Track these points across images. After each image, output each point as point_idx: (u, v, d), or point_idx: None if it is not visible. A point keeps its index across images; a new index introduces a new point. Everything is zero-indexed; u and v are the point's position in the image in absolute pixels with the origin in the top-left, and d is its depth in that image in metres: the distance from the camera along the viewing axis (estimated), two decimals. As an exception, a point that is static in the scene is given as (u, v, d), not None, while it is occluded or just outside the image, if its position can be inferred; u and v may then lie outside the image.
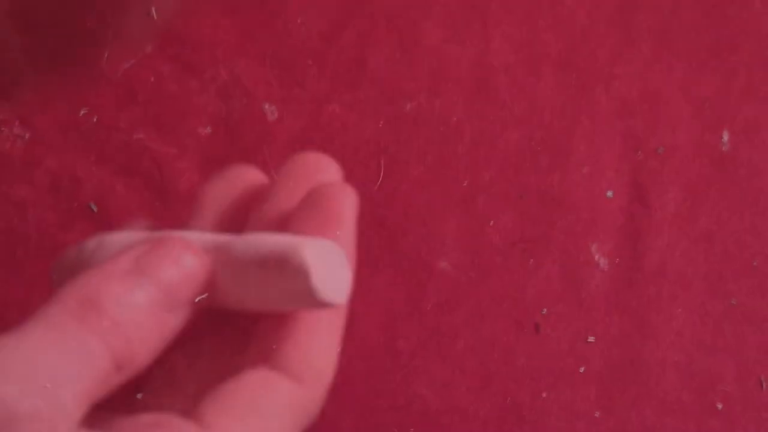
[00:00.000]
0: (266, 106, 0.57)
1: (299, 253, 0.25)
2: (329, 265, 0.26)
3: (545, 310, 0.55)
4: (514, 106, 0.57)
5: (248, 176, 0.33)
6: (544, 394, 0.54)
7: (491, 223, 0.56)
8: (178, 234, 0.27)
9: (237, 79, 0.56)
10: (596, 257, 0.55)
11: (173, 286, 0.25)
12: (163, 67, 0.56)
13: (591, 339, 0.55)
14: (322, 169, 0.30)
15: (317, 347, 0.27)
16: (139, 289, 0.24)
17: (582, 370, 0.55)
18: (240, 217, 0.31)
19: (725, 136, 0.57)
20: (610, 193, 0.56)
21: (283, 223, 0.29)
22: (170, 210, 0.55)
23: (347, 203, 0.29)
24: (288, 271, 0.25)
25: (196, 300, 0.26)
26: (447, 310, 0.55)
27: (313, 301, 0.25)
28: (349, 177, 0.57)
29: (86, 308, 0.23)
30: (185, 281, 0.25)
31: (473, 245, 0.56)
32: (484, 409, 0.54)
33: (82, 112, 0.56)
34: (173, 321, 0.25)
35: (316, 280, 0.25)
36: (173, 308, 0.25)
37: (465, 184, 0.56)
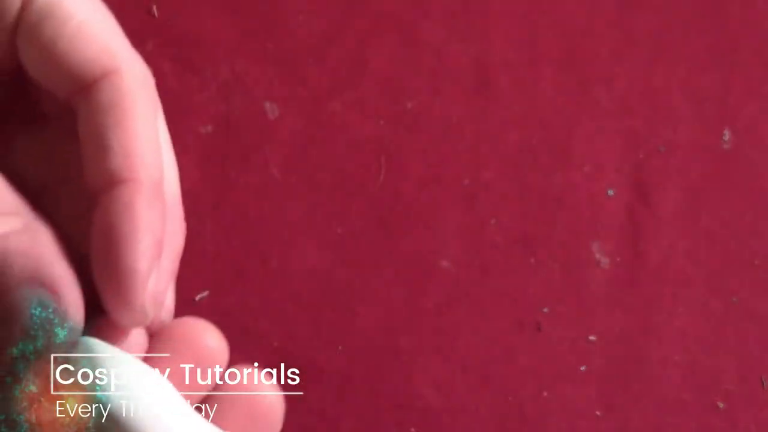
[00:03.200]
0: (267, 105, 0.57)
1: None
2: None
3: (546, 308, 0.55)
4: (514, 105, 0.57)
5: None
6: (545, 393, 0.54)
7: (492, 222, 0.56)
8: None
9: (238, 77, 0.56)
10: (597, 256, 0.55)
11: None
12: (163, 65, 0.56)
13: (592, 338, 0.55)
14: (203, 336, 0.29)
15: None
16: None
17: (583, 368, 0.55)
18: None
19: (726, 135, 0.57)
20: (611, 192, 0.56)
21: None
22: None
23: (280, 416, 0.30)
24: None
25: None
26: (448, 309, 0.55)
27: None
28: (350, 176, 0.57)
29: None
30: None
31: (474, 244, 0.55)
32: (485, 408, 0.54)
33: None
34: None
35: None
36: None
37: (466, 183, 0.56)
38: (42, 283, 0.24)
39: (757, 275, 0.56)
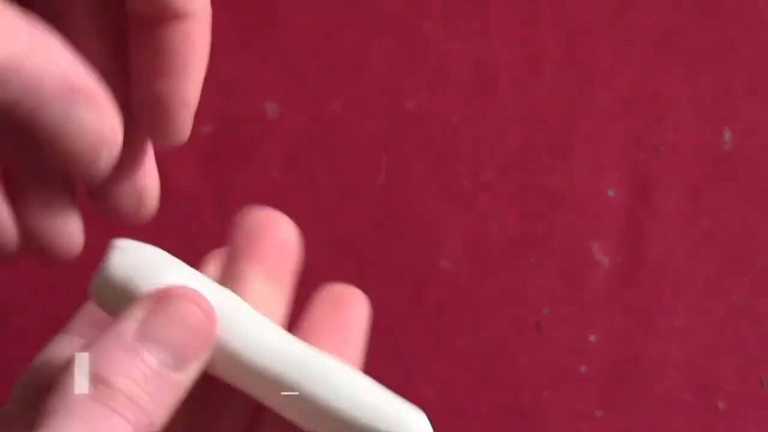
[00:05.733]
0: (267, 105, 0.57)
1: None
2: None
3: (546, 309, 0.55)
4: (514, 105, 0.57)
5: None
6: (545, 393, 0.54)
7: (492, 222, 0.56)
8: (185, 288, 0.27)
9: (238, 77, 0.56)
10: (598, 256, 0.55)
11: (182, 347, 0.26)
12: (163, 65, 0.56)
13: (592, 338, 0.55)
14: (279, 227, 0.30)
15: None
16: (147, 357, 0.25)
17: (583, 369, 0.55)
18: None
19: (726, 135, 0.57)
20: (611, 192, 0.56)
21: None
22: (171, 209, 0.54)
23: (364, 313, 0.30)
24: None
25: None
26: (448, 309, 0.55)
27: None
28: (351, 176, 0.57)
29: (100, 389, 0.24)
30: (193, 341, 0.26)
31: (474, 244, 0.55)
32: (485, 408, 0.54)
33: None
34: (185, 378, 0.26)
35: None
36: (184, 366, 0.26)
37: (466, 183, 0.56)
38: (78, 90, 0.24)
39: (757, 275, 0.56)
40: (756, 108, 0.58)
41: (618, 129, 0.57)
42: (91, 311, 0.30)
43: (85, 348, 0.25)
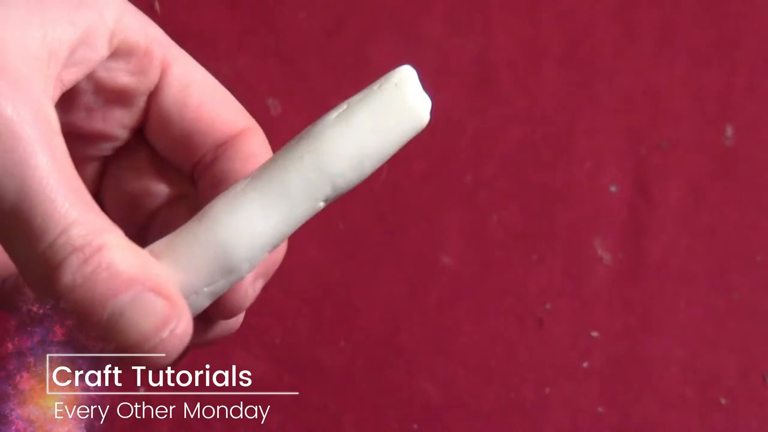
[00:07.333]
0: (269, 101, 0.57)
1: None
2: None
3: (548, 305, 0.55)
4: (516, 102, 0.57)
5: None
6: (546, 389, 0.54)
7: (494, 218, 0.56)
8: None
9: (239, 73, 0.56)
10: (599, 252, 0.55)
11: None
12: (165, 61, 0.56)
13: (594, 334, 0.55)
14: None
15: None
16: None
17: (585, 365, 0.55)
18: None
19: (728, 131, 0.57)
20: (613, 188, 0.56)
21: None
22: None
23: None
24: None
25: None
26: (449, 305, 0.55)
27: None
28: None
29: None
30: None
31: (476, 240, 0.55)
32: (487, 404, 0.54)
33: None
34: None
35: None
36: None
37: (468, 179, 0.56)
38: (149, 288, 0.23)
39: (759, 271, 0.56)
40: (757, 104, 0.58)
41: (619, 125, 0.57)
42: None
43: None
